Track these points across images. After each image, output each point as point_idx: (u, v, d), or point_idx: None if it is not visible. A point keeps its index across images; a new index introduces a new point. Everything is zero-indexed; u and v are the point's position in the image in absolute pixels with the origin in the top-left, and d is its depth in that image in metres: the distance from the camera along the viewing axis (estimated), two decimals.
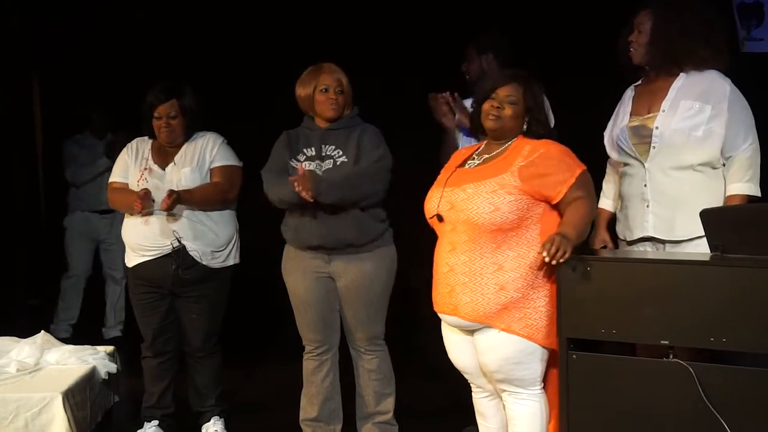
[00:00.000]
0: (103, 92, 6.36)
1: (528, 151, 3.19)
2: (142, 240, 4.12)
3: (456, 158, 3.42)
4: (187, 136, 4.20)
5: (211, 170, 4.19)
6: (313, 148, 3.92)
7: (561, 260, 2.96)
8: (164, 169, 4.15)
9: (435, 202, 3.25)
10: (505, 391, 3.25)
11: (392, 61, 6.10)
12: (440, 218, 3.22)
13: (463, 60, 4.38)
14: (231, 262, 4.27)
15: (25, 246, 6.99)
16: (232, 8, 6.46)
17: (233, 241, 4.26)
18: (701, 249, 3.21)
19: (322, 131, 3.94)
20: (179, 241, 4.08)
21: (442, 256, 3.24)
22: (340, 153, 3.88)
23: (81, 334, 6.06)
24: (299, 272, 3.96)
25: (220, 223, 4.19)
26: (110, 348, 4.62)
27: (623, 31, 3.66)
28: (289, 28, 6.39)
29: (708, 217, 3.03)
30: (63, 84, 6.78)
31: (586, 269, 3.01)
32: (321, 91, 3.91)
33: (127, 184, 4.19)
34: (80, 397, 4.02)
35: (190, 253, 4.10)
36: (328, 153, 3.89)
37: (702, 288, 2.86)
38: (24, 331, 4.56)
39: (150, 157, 4.20)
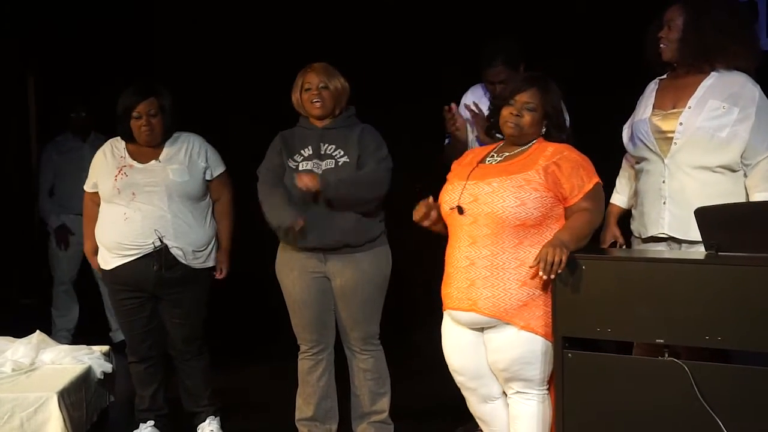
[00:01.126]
0: (100, 93, 6.32)
1: (551, 153, 3.20)
2: (121, 239, 4.04)
3: (473, 155, 3.40)
4: (166, 137, 4.14)
5: (212, 182, 4.20)
6: (310, 147, 3.91)
7: (558, 271, 2.97)
8: (145, 164, 4.08)
9: (456, 194, 3.23)
10: (511, 389, 3.24)
11: (390, 61, 6.09)
12: (460, 210, 3.19)
13: (488, 83, 4.19)
14: (210, 263, 4.22)
15: (20, 246, 6.97)
16: (229, 9, 6.45)
17: (213, 242, 4.22)
18: None
19: (319, 130, 3.93)
20: (161, 240, 4.02)
21: (461, 249, 3.20)
22: (341, 153, 3.87)
23: (81, 335, 6.04)
24: (295, 273, 3.95)
25: (202, 222, 4.16)
26: (106, 348, 4.61)
27: (651, 27, 3.63)
28: (287, 29, 6.38)
29: (703, 215, 3.04)
30: (59, 86, 6.76)
31: (581, 268, 3.02)
32: (305, 91, 3.92)
33: (97, 193, 4.15)
34: (76, 396, 4.02)
35: (172, 251, 4.04)
36: (327, 152, 3.88)
37: (697, 286, 2.87)
38: (19, 331, 4.55)
39: (127, 155, 4.12)
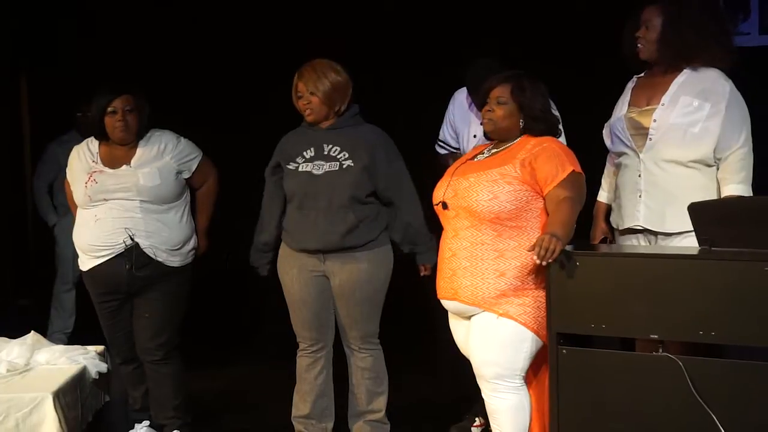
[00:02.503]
0: (92, 94, 6.29)
1: (532, 145, 3.28)
2: (93, 240, 4.01)
3: (469, 153, 3.54)
4: (141, 136, 4.10)
5: (192, 176, 4.16)
6: (312, 149, 3.91)
7: (550, 260, 3.00)
8: (116, 169, 4.04)
9: (442, 190, 3.36)
10: (482, 378, 3.27)
11: (389, 57, 6.10)
12: (445, 206, 3.31)
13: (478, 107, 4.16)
14: (189, 261, 4.17)
15: (14, 246, 6.96)
16: (220, 8, 6.43)
17: (191, 241, 4.18)
18: (692, 243, 3.23)
19: (322, 131, 3.93)
20: (132, 239, 3.98)
21: (446, 242, 3.34)
22: (346, 155, 3.86)
23: (76, 335, 6.03)
24: (294, 271, 3.96)
25: (177, 221, 4.11)
26: (101, 348, 4.60)
27: (626, 25, 3.68)
28: (280, 30, 6.38)
29: (696, 211, 3.05)
30: (51, 85, 6.74)
31: (576, 264, 3.02)
32: (298, 98, 3.93)
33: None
34: (71, 397, 4.01)
35: (144, 250, 3.99)
36: (331, 154, 3.88)
37: (691, 282, 2.88)
38: (14, 331, 4.54)
39: (99, 159, 4.09)
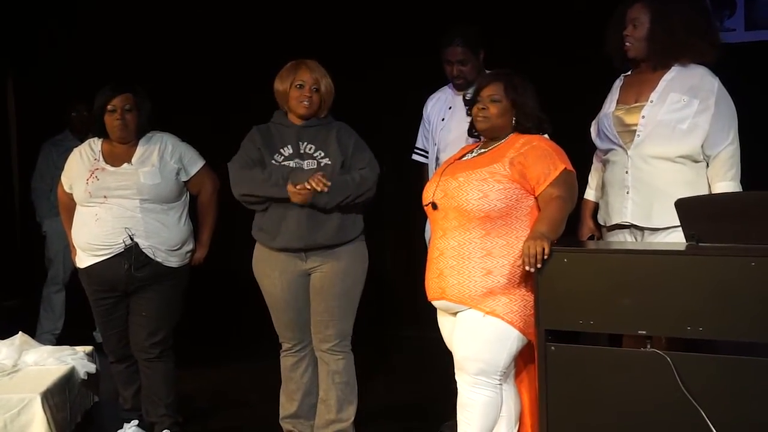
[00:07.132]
0: (81, 93, 6.27)
1: (521, 144, 3.29)
2: (92, 239, 4.01)
3: (459, 152, 3.53)
4: (140, 136, 4.11)
5: (190, 180, 4.16)
6: (290, 146, 3.88)
7: (539, 264, 3.02)
8: (117, 167, 4.05)
9: (431, 191, 3.36)
10: (463, 371, 3.27)
11: (368, 54, 6.10)
12: (434, 206, 3.31)
13: (447, 63, 4.19)
14: (187, 261, 4.18)
15: (1, 247, 6.92)
16: (210, 5, 6.42)
17: (189, 242, 4.18)
18: (678, 238, 3.25)
19: (296, 128, 3.91)
20: (131, 239, 3.99)
21: (434, 242, 3.34)
22: (322, 154, 3.86)
23: (64, 335, 6.01)
24: (276, 273, 3.93)
25: (176, 221, 4.11)
26: (89, 348, 4.59)
27: (612, 23, 3.69)
28: (265, 26, 6.37)
29: (683, 206, 3.06)
30: (39, 86, 6.71)
31: (564, 261, 3.03)
32: (296, 87, 3.88)
33: (71, 195, 4.12)
34: (59, 397, 4.00)
35: (144, 250, 4.00)
36: (308, 152, 3.86)
37: (678, 277, 2.89)
38: (1, 332, 4.53)
39: (101, 157, 4.10)
